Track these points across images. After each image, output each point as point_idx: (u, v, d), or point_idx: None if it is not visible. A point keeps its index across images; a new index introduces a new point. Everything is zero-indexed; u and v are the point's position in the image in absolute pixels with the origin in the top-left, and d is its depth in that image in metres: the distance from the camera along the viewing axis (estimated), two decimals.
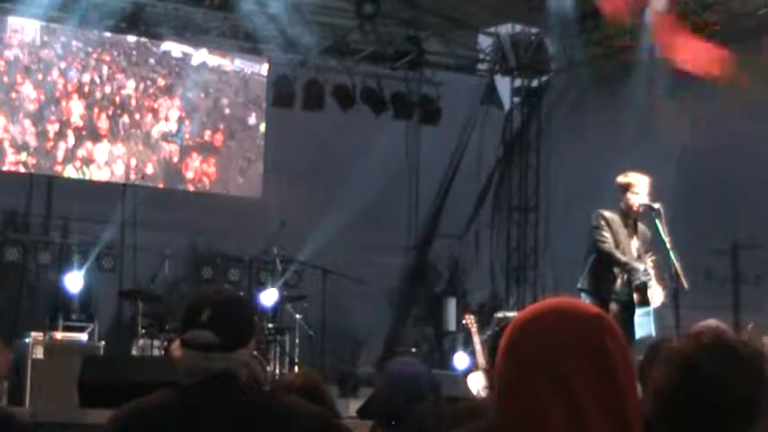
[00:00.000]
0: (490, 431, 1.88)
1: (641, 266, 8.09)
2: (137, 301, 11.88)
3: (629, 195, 8.17)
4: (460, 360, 12.86)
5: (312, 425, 2.84)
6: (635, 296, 8.07)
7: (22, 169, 14.49)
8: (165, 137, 15.18)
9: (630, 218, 8.24)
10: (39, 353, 10.35)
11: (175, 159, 15.25)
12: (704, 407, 2.10)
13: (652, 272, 8.15)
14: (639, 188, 8.15)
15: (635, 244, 8.25)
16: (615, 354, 1.80)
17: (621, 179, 8.29)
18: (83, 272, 13.37)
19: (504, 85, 17.43)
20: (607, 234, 8.14)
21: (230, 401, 2.78)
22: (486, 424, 1.92)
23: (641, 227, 8.28)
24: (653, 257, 8.19)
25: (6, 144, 14.18)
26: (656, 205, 8.08)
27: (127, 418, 2.84)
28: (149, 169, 15.05)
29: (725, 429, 2.14)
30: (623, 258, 8.09)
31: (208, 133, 15.47)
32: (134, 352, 11.43)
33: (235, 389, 2.80)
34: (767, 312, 13.26)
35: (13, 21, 14.27)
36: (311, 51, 15.44)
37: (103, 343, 11.41)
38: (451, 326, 15.21)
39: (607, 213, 8.23)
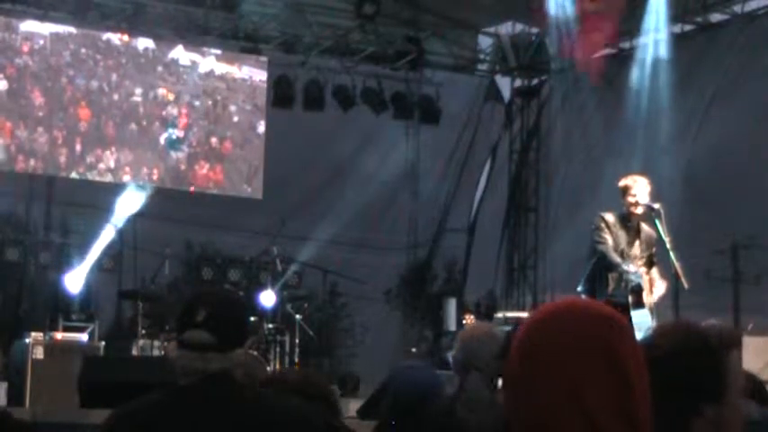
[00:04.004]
0: (497, 428, 1.89)
1: (632, 268, 8.10)
2: (137, 301, 11.87)
3: (627, 198, 8.18)
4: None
5: (309, 426, 2.84)
6: (630, 298, 8.07)
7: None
8: (173, 144, 15.17)
9: (632, 221, 8.23)
10: (39, 353, 10.33)
11: (183, 167, 15.23)
12: (660, 390, 2.12)
13: (644, 275, 8.14)
14: (637, 189, 8.16)
15: (637, 247, 8.24)
16: (627, 355, 1.79)
17: (621, 182, 8.32)
18: (83, 272, 13.36)
19: (504, 85, 17.45)
20: (606, 235, 8.16)
21: (226, 402, 2.78)
22: (494, 421, 1.93)
23: (646, 229, 8.26)
24: (643, 259, 8.19)
25: (15, 150, 14.20)
26: (656, 205, 8.09)
27: (122, 419, 2.84)
28: (155, 176, 15.03)
29: (679, 410, 2.18)
30: (617, 259, 8.11)
31: (215, 140, 15.44)
32: (134, 352, 11.42)
33: (230, 389, 2.80)
34: (767, 312, 13.27)
35: (23, 28, 14.31)
36: (311, 51, 15.45)
37: (103, 343, 11.40)
38: (451, 326, 15.19)
39: (608, 216, 8.25)
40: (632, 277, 8.09)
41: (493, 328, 4.60)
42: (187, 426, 2.77)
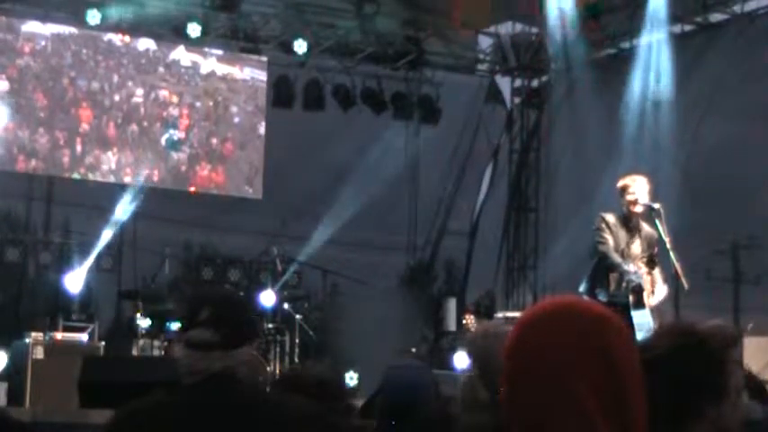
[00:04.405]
0: (496, 429, 1.89)
1: (632, 268, 8.10)
2: (137, 301, 11.87)
3: (626, 197, 8.20)
4: (460, 360, 12.86)
5: (312, 425, 2.83)
6: (630, 298, 8.08)
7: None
8: (174, 145, 15.15)
9: (632, 220, 8.24)
10: (39, 353, 10.33)
11: (184, 168, 15.21)
12: (660, 390, 2.12)
13: (645, 274, 8.14)
14: (635, 188, 8.18)
15: (637, 246, 8.25)
16: (619, 353, 1.79)
17: (620, 182, 8.36)
18: (83, 272, 13.37)
19: (504, 85, 17.44)
20: (607, 236, 8.17)
21: (229, 401, 2.78)
22: (492, 421, 1.93)
23: (646, 229, 8.27)
24: (643, 258, 8.19)
25: (16, 150, 14.21)
26: (656, 205, 8.10)
27: (127, 418, 2.84)
28: (156, 177, 15.02)
29: (677, 410, 2.18)
30: (618, 260, 8.12)
31: (216, 141, 15.42)
32: (134, 352, 11.42)
33: (234, 389, 2.80)
34: (767, 312, 13.27)
35: (25, 29, 14.32)
36: (311, 52, 15.44)
37: (103, 343, 11.40)
38: (451, 326, 15.19)
39: (608, 216, 8.26)
40: (632, 277, 8.09)
41: (497, 327, 4.59)
42: (190, 425, 2.77)
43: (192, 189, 15.22)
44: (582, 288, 8.28)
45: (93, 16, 14.11)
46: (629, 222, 8.26)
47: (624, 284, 8.12)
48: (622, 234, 8.22)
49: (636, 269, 8.10)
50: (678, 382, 2.20)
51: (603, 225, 8.21)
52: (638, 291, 8.10)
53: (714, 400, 2.21)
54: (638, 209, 8.18)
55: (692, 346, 2.24)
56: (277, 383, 3.49)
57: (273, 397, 2.97)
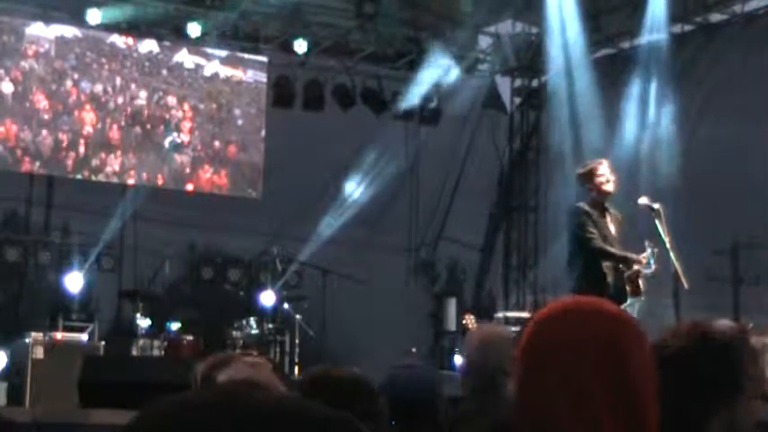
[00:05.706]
0: (505, 429, 1.89)
1: (647, 251, 7.96)
2: (137, 301, 11.88)
3: (595, 179, 8.11)
4: (460, 360, 12.87)
5: (335, 430, 2.81)
6: (627, 287, 8.02)
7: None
8: (177, 148, 15.14)
9: (603, 202, 8.17)
10: (39, 353, 10.35)
11: (187, 170, 15.20)
12: (675, 389, 2.12)
13: (653, 262, 8.07)
14: (603, 170, 8.14)
15: (613, 229, 8.17)
16: (633, 354, 1.79)
17: (584, 168, 8.29)
18: (83, 272, 13.37)
19: (504, 85, 17.42)
20: (592, 229, 8.05)
21: (251, 404, 2.77)
22: (502, 421, 1.94)
23: (612, 210, 8.22)
24: (656, 249, 8.12)
25: (20, 153, 14.21)
26: (656, 205, 8.05)
27: (150, 418, 2.83)
28: (160, 180, 15.00)
29: (693, 408, 2.18)
30: (619, 253, 8.05)
31: (219, 144, 15.39)
32: (134, 352, 11.43)
33: (256, 392, 2.79)
34: (767, 312, 13.27)
35: (29, 32, 14.33)
36: (311, 52, 15.44)
37: (103, 343, 11.41)
38: (451, 326, 15.20)
39: (585, 206, 8.15)
40: (644, 270, 8.02)
41: (493, 332, 4.58)
42: (210, 427, 2.76)
43: (191, 187, 15.19)
44: (574, 285, 8.16)
45: (93, 16, 14.12)
46: (601, 205, 8.18)
47: (614, 276, 8.03)
48: (602, 221, 8.14)
49: (646, 255, 7.99)
50: (693, 380, 2.20)
51: (585, 218, 8.08)
52: (635, 279, 8.04)
53: (728, 399, 2.21)
54: (609, 187, 8.12)
55: (708, 345, 2.24)
56: (303, 385, 3.47)
57: (296, 400, 2.95)
